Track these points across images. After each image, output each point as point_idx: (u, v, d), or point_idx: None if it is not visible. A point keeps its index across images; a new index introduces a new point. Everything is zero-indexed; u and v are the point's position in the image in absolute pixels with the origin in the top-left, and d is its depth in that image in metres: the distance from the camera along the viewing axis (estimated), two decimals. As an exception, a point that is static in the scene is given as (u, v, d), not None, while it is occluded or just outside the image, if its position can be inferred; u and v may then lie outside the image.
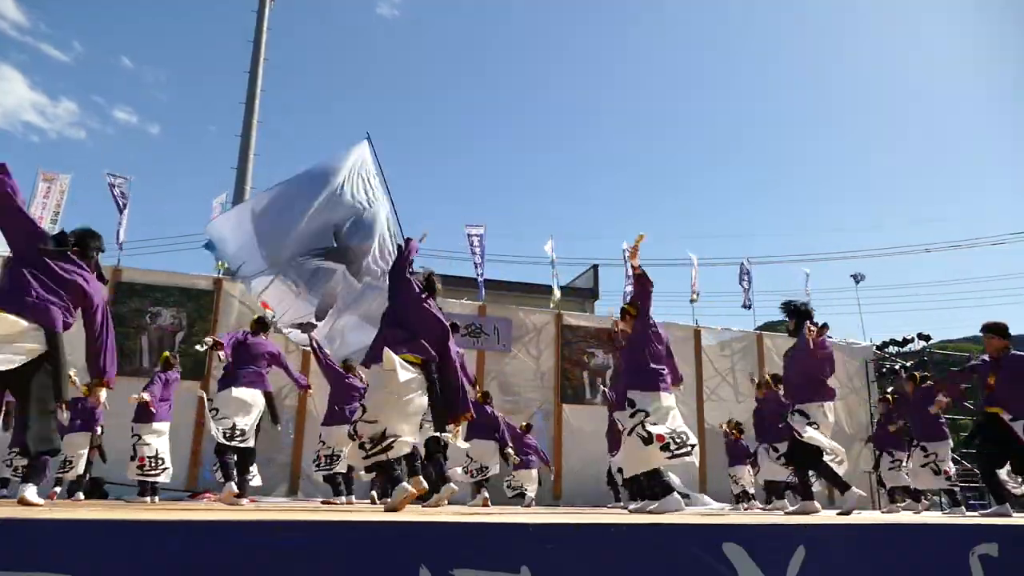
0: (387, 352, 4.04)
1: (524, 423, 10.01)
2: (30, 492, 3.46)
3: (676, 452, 4.64)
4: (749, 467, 9.69)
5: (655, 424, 4.68)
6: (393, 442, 3.98)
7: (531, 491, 9.33)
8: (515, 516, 2.89)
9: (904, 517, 5.87)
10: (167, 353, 7.78)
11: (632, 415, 4.77)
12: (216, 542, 1.82)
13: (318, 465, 7.74)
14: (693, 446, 4.72)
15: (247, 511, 4.15)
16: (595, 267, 20.11)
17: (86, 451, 7.98)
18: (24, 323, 3.38)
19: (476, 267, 13.14)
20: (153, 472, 6.96)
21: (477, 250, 13.27)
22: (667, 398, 4.89)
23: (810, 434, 5.29)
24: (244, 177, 16.78)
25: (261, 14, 18.54)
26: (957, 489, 7.98)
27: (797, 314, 5.85)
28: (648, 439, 4.63)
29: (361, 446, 4.00)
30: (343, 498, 7.62)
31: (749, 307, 14.58)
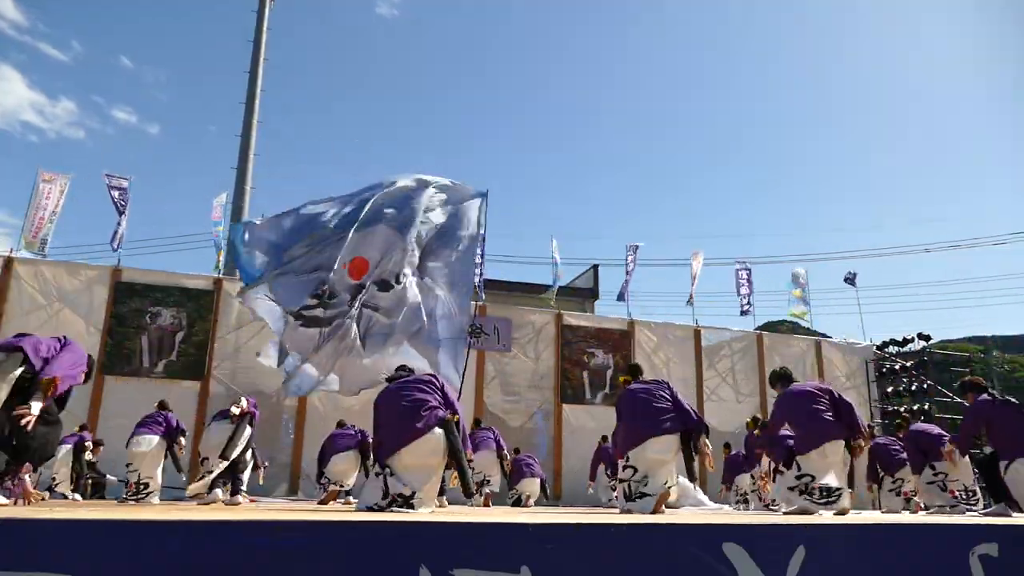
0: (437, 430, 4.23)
1: (515, 447, 10.12)
2: None
3: (633, 497, 4.99)
4: (749, 475, 9.69)
5: (639, 481, 5.02)
6: (416, 504, 4.12)
7: (532, 498, 9.46)
8: (515, 516, 2.89)
9: (904, 517, 5.87)
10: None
11: (624, 468, 5.15)
12: (216, 542, 1.82)
13: (322, 487, 7.87)
14: (641, 495, 4.95)
15: (247, 511, 4.15)
16: (595, 267, 20.10)
17: (68, 470, 8.09)
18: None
19: (476, 267, 13.15)
20: (134, 496, 7.02)
21: (477, 250, 13.28)
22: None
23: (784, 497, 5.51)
24: (244, 177, 16.76)
25: (261, 14, 18.52)
26: (968, 506, 7.54)
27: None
28: (628, 496, 5.04)
29: (390, 505, 4.10)
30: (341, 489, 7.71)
31: (746, 313, 14.54)
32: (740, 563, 2.28)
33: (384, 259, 6.49)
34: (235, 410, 6.82)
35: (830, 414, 5.37)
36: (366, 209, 6.38)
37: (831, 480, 5.23)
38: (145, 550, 1.76)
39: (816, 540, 2.46)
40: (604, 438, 9.93)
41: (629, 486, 5.03)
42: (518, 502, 9.42)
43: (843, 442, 5.33)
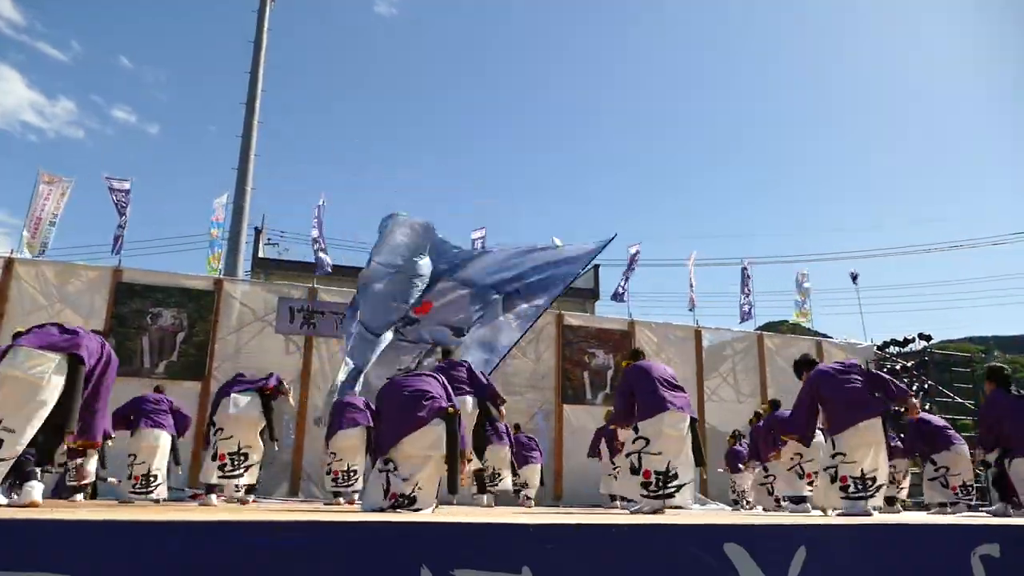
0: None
1: (514, 423, 10.06)
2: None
3: (653, 492, 4.79)
4: (749, 472, 9.67)
5: (652, 455, 4.86)
6: (418, 499, 4.12)
7: (533, 489, 9.37)
8: (515, 517, 2.89)
9: (905, 517, 5.86)
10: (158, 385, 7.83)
11: (634, 440, 4.98)
12: (216, 542, 1.82)
13: (335, 482, 7.52)
14: (679, 487, 4.82)
15: (247, 511, 4.15)
16: (595, 267, 20.11)
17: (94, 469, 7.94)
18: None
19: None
20: (143, 490, 6.92)
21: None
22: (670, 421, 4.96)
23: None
24: (245, 178, 16.71)
25: (261, 14, 18.50)
26: (965, 502, 7.52)
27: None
28: (636, 470, 4.86)
29: (393, 507, 4.07)
30: (343, 499, 7.58)
31: (747, 315, 14.52)
32: (741, 564, 2.28)
33: (457, 311, 7.82)
34: (287, 386, 6.76)
35: (864, 388, 5.08)
36: (459, 269, 7.97)
37: (869, 464, 4.92)
38: (145, 550, 1.76)
39: (817, 540, 2.45)
40: (606, 414, 9.94)
41: (639, 456, 4.86)
42: (518, 491, 9.31)
43: (881, 421, 5.01)
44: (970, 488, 7.37)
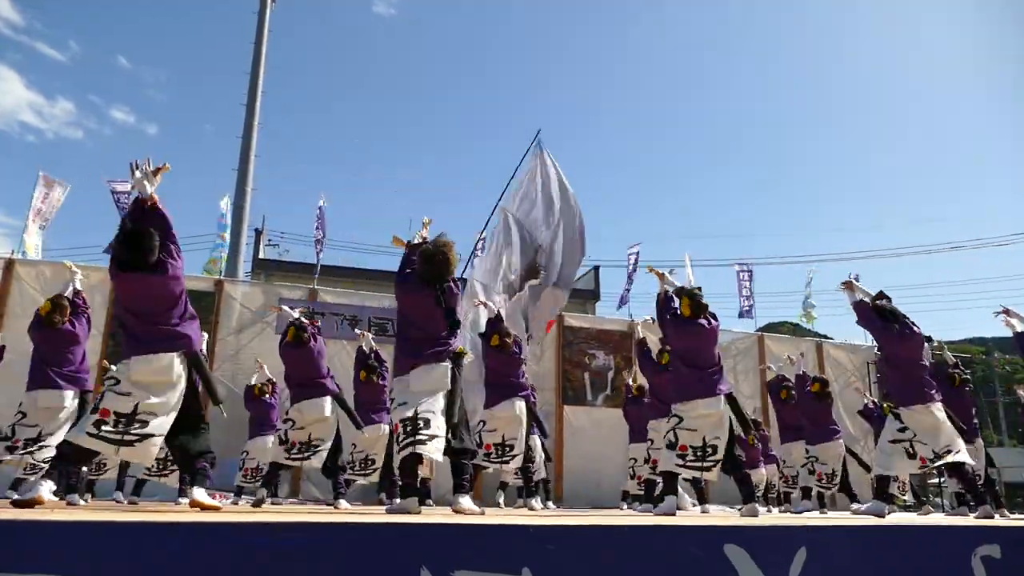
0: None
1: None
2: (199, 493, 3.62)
3: (691, 463, 4.81)
4: (763, 470, 9.64)
5: (687, 431, 4.86)
6: (426, 427, 3.98)
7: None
8: (515, 517, 2.89)
9: (906, 518, 5.85)
10: None
11: (669, 418, 5.03)
12: (216, 542, 1.82)
13: (352, 469, 7.58)
14: (716, 462, 4.80)
15: (247, 511, 4.15)
16: (596, 268, 20.10)
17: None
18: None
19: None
20: (159, 472, 6.84)
21: (479, 254, 13.35)
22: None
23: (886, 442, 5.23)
24: (245, 179, 16.69)
25: (261, 15, 18.47)
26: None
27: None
28: (673, 445, 4.88)
29: (410, 434, 3.92)
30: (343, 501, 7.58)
31: (746, 314, 14.53)
32: (741, 564, 2.28)
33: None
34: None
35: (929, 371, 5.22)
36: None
37: (940, 438, 4.95)
38: (145, 550, 1.76)
39: (817, 541, 2.45)
40: (628, 393, 9.48)
41: (675, 433, 4.83)
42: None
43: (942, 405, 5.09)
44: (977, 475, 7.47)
